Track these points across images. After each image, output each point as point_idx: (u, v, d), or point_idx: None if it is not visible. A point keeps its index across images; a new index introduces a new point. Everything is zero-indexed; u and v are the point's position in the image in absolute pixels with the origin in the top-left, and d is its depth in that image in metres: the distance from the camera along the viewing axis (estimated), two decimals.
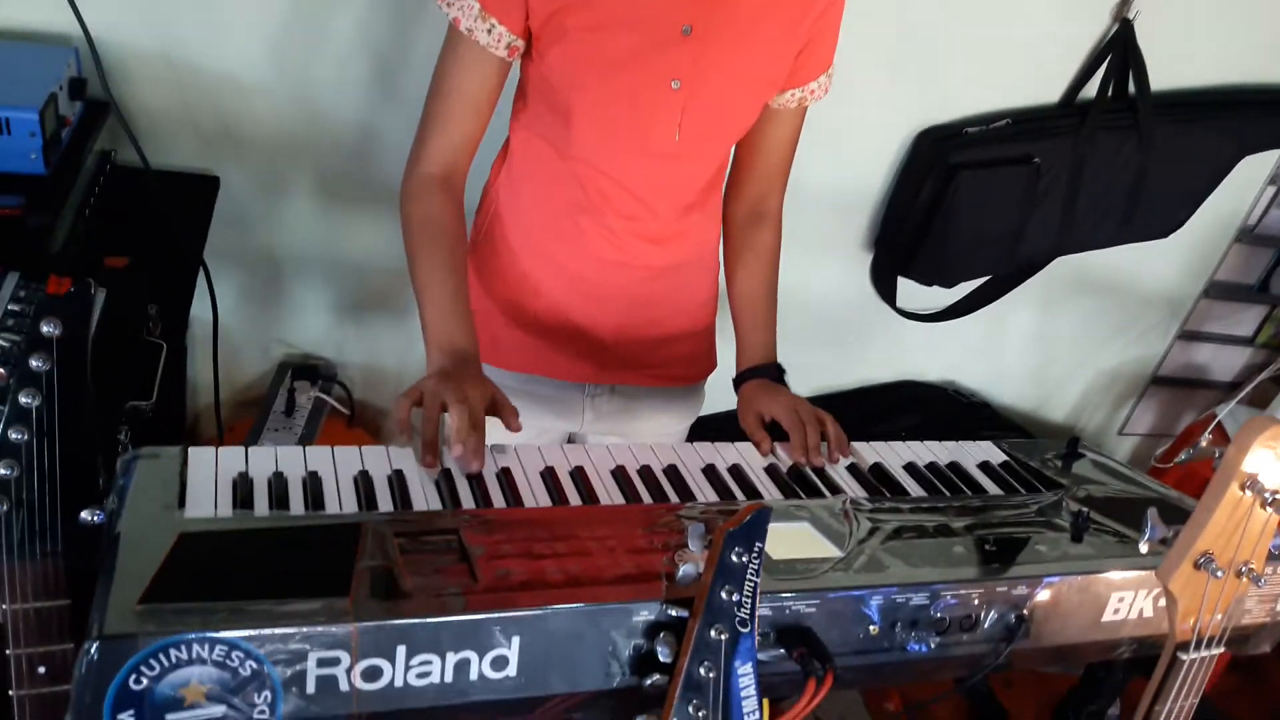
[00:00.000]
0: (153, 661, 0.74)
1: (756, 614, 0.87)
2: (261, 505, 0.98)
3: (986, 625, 1.01)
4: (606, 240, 1.35)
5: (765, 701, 0.93)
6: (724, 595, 0.85)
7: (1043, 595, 1.03)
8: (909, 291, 2.36)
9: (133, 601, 0.77)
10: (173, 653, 0.75)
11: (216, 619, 0.77)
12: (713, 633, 0.85)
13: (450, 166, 1.28)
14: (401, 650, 0.80)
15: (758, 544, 0.86)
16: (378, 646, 0.80)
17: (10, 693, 0.88)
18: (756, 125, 1.37)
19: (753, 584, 0.86)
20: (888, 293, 2.37)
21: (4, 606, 0.87)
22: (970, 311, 2.40)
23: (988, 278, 2.36)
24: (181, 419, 2.10)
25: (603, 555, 0.94)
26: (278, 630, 0.77)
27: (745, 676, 0.87)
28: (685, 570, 0.87)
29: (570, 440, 1.58)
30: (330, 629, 0.78)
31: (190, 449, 1.04)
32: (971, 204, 2.15)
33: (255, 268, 2.04)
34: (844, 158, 2.17)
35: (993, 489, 1.26)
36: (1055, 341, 2.62)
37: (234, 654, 0.76)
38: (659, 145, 1.28)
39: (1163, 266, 2.55)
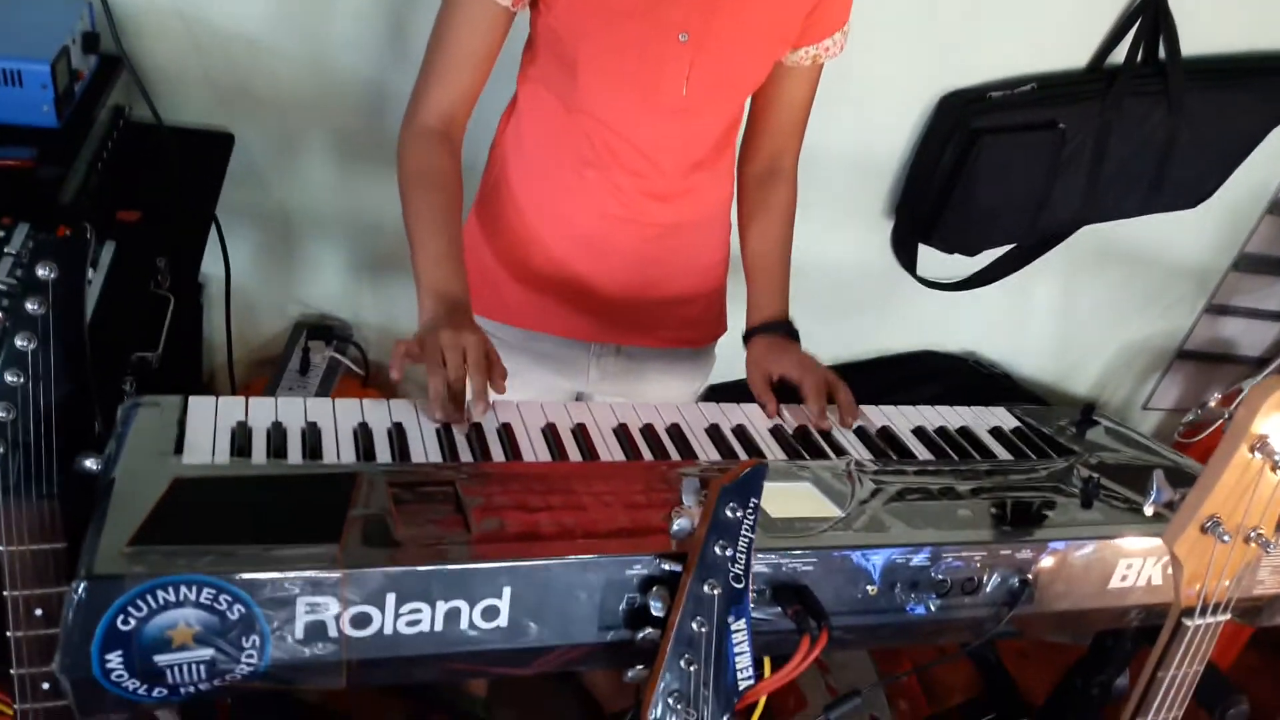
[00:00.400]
0: (140, 603, 0.74)
1: (751, 570, 0.86)
2: (259, 454, 0.97)
3: (989, 588, 1.00)
4: (612, 196, 1.33)
5: (767, 660, 0.92)
6: (718, 550, 0.84)
7: (1048, 560, 1.02)
8: (930, 260, 2.32)
9: (122, 543, 0.77)
10: (160, 594, 0.75)
11: (205, 562, 0.77)
12: (706, 588, 0.84)
13: (448, 119, 1.27)
14: (391, 598, 0.80)
15: (753, 500, 0.85)
16: (367, 593, 0.79)
17: (8, 634, 0.89)
18: (771, 83, 1.35)
19: (747, 540, 0.85)
20: (908, 261, 2.34)
21: (1, 548, 0.87)
22: (992, 281, 2.36)
23: (1010, 246, 2.32)
24: (197, 376, 2.11)
25: (599, 510, 0.93)
26: (266, 575, 0.77)
27: (739, 633, 0.86)
28: (680, 525, 0.86)
29: (579, 399, 1.57)
30: (319, 574, 0.78)
31: (191, 398, 1.04)
32: (995, 170, 2.11)
33: (270, 226, 2.04)
34: (865, 121, 2.13)
35: (1003, 454, 1.24)
36: (1079, 313, 2.58)
37: (222, 597, 0.76)
38: (666, 99, 1.26)
39: (1191, 238, 2.50)
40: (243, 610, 0.77)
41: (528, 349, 1.43)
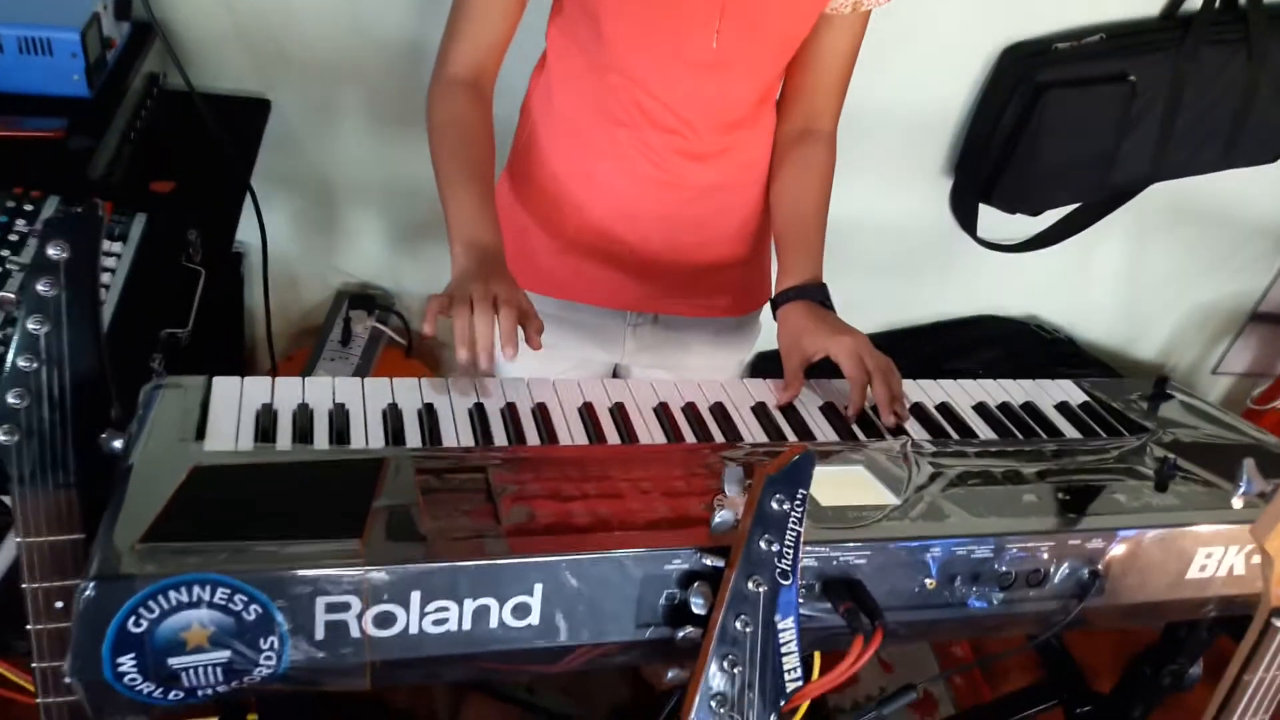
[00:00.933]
0: (151, 604, 0.70)
1: (799, 565, 0.80)
2: (284, 438, 0.93)
3: (1056, 580, 0.93)
4: (644, 156, 1.26)
5: (816, 654, 0.87)
6: (763, 545, 0.79)
7: (1120, 549, 0.95)
8: (990, 220, 2.22)
9: (134, 539, 0.73)
10: (173, 595, 0.71)
11: (220, 559, 0.73)
12: (750, 584, 0.79)
13: (478, 69, 1.22)
14: (416, 596, 0.76)
15: (800, 490, 0.79)
16: (390, 592, 0.75)
17: (28, 627, 0.86)
18: (810, 33, 1.26)
19: (795, 533, 0.80)
20: (968, 221, 2.25)
21: (19, 539, 0.84)
22: (1056, 242, 2.26)
23: (1076, 206, 2.21)
24: (238, 349, 2.09)
25: (636, 498, 0.88)
26: (284, 573, 0.73)
27: (786, 632, 0.81)
28: (722, 517, 0.80)
29: (615, 374, 1.51)
30: (340, 572, 0.74)
31: (215, 379, 1.00)
32: (1060, 126, 2.00)
33: (309, 194, 2.00)
34: (922, 76, 2.03)
35: (1070, 432, 1.17)
36: (1146, 274, 2.46)
37: (237, 597, 0.72)
38: (695, 53, 1.18)
39: (1268, 193, 2.36)
40: (259, 610, 0.73)
41: (561, 319, 1.38)
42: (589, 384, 1.10)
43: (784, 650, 0.81)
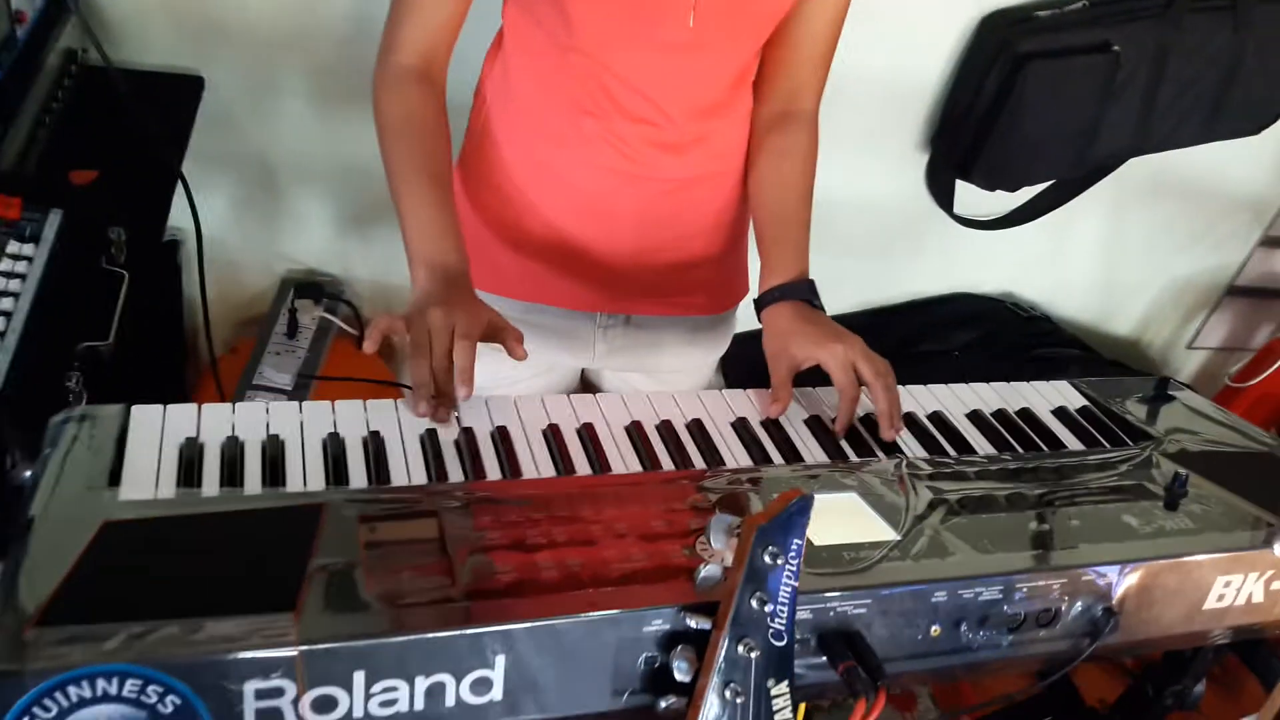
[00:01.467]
0: (49, 702, 0.60)
1: (794, 624, 0.71)
2: (212, 480, 0.83)
3: (1069, 619, 0.86)
4: (613, 148, 1.16)
5: (802, 706, 0.79)
6: (754, 604, 0.70)
7: (1134, 581, 0.87)
8: (967, 196, 2.15)
9: (25, 623, 0.63)
10: (73, 690, 0.61)
11: (128, 646, 0.62)
12: (740, 648, 0.70)
13: (428, 55, 1.10)
14: (359, 676, 0.66)
15: (795, 541, 0.70)
16: (329, 673, 0.65)
17: None
18: (790, 10, 1.16)
19: (790, 589, 0.71)
20: (944, 197, 2.17)
21: None
22: (1033, 218, 2.19)
23: (1055, 181, 2.14)
24: (179, 349, 1.97)
25: (610, 544, 0.78)
26: (204, 658, 0.63)
27: (780, 698, 0.72)
28: (707, 573, 0.71)
29: (583, 378, 1.42)
30: (270, 654, 0.64)
31: (134, 409, 0.89)
32: (1041, 99, 1.92)
33: (248, 176, 1.88)
34: (898, 45, 1.94)
35: (1071, 442, 1.09)
36: (1124, 249, 2.40)
37: (150, 688, 0.62)
38: (670, 33, 1.07)
39: (1249, 167, 2.30)
40: (177, 702, 0.63)
41: (525, 322, 1.27)
42: (554, 402, 1.00)
43: (778, 716, 0.73)
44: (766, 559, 0.70)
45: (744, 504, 0.87)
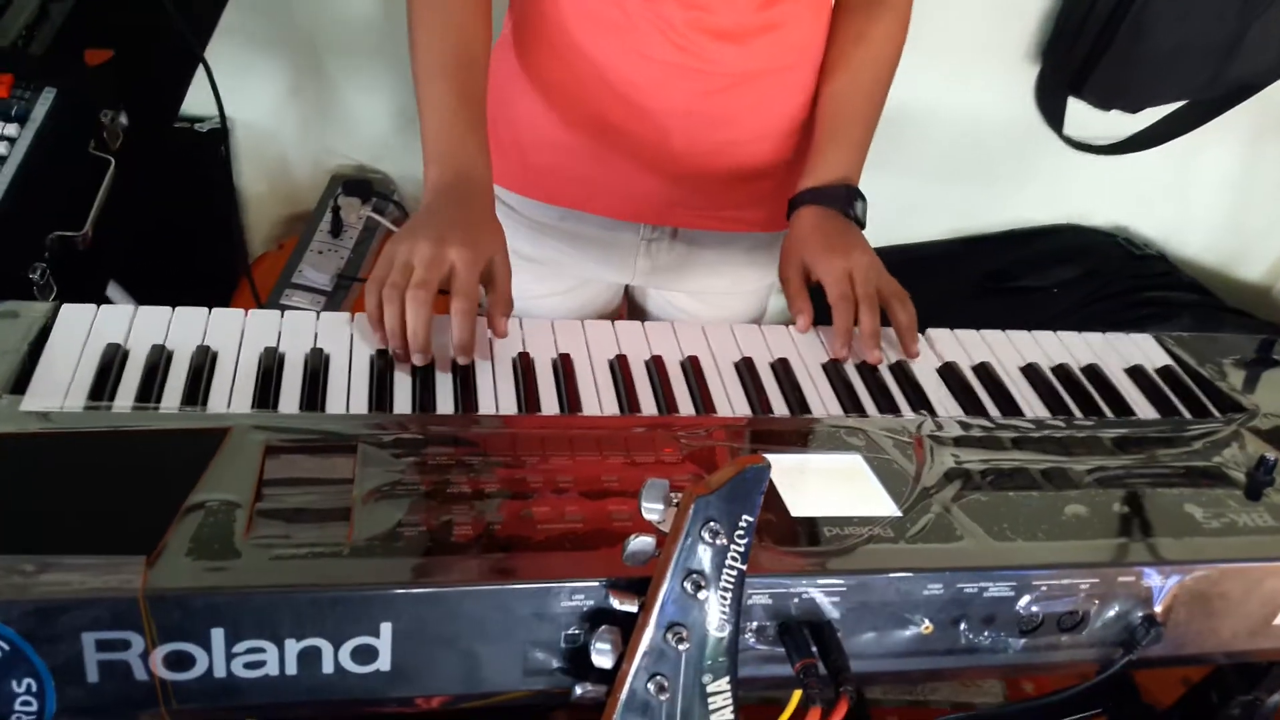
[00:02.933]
0: None
1: (741, 609, 0.60)
2: (128, 394, 0.75)
3: (1098, 625, 0.72)
4: (662, 34, 1.01)
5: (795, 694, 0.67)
6: (688, 588, 0.58)
7: (1186, 586, 0.72)
8: (1081, 116, 1.92)
9: None
10: None
11: None
12: (669, 637, 0.59)
13: None
14: (218, 635, 0.57)
15: (745, 517, 0.58)
16: (182, 627, 0.57)
17: None
18: None
19: (735, 572, 0.59)
20: (1054, 116, 1.95)
21: None
22: (1157, 144, 1.95)
23: (1184, 102, 1.89)
24: (231, 232, 1.91)
25: (545, 500, 0.67)
26: (35, 600, 0.55)
27: (718, 696, 0.61)
28: (636, 546, 0.60)
29: (629, 297, 1.30)
30: (111, 600, 0.56)
31: (64, 307, 0.82)
32: (1173, 6, 1.68)
33: (298, 59, 1.79)
34: None
35: (1143, 408, 0.93)
36: (1260, 183, 2.13)
37: None
38: None
39: None
40: (6, 648, 0.55)
41: (560, 230, 1.16)
42: (534, 327, 0.89)
43: (715, 718, 0.62)
44: (706, 537, 0.58)
45: (719, 463, 0.75)
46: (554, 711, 0.76)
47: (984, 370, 0.94)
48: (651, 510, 0.59)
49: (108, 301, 1.66)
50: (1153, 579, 0.71)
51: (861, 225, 1.03)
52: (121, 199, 1.12)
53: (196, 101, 1.57)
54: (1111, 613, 0.71)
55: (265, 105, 1.82)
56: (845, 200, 1.02)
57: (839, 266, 0.95)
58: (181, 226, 1.83)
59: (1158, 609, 0.72)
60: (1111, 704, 1.11)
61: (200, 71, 1.38)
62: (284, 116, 1.84)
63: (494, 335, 0.87)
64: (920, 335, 0.96)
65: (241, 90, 1.78)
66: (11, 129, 1.08)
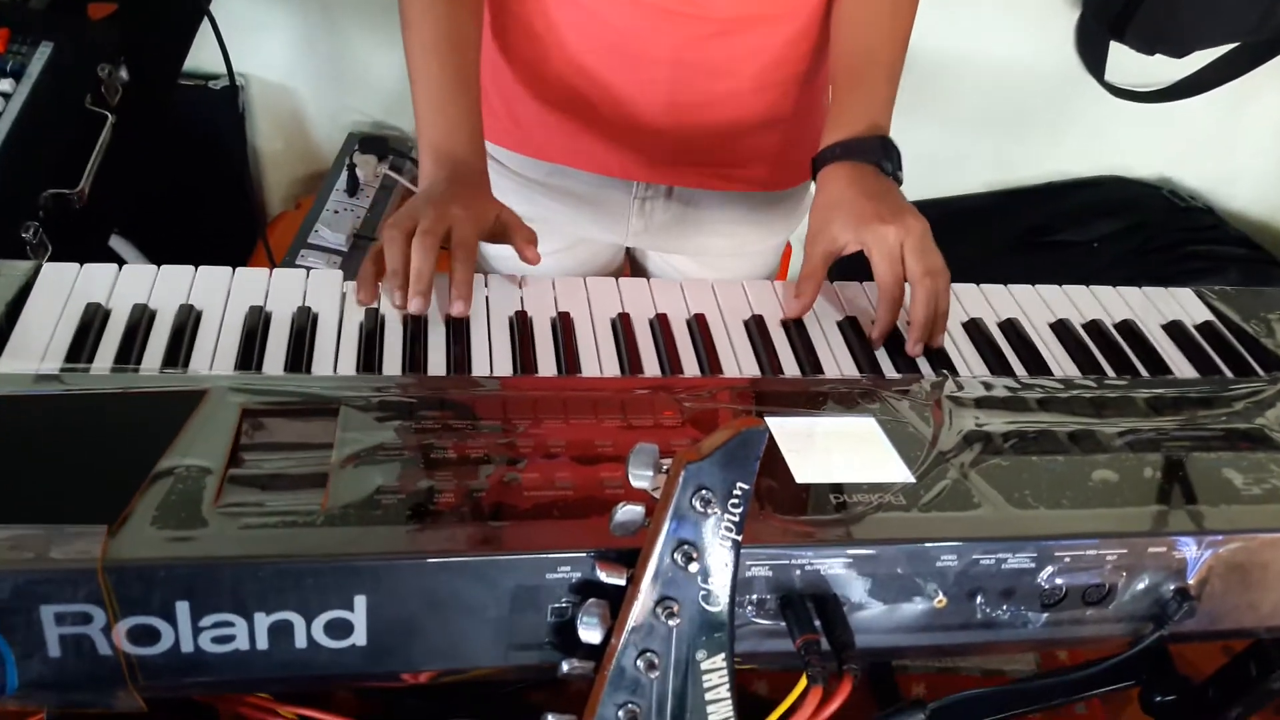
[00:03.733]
0: None
1: (736, 582, 0.56)
2: (108, 355, 0.72)
3: (1126, 598, 0.67)
4: None
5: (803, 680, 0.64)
6: (678, 560, 0.55)
7: (1222, 557, 0.67)
8: (1124, 61, 1.84)
9: None
10: None
11: None
12: (659, 612, 0.55)
13: None
14: (183, 609, 0.55)
15: (739, 485, 0.54)
16: (146, 600, 0.54)
17: None
18: None
19: (729, 544, 0.55)
20: (1095, 62, 1.87)
21: None
22: (1204, 90, 1.86)
23: (1233, 45, 1.80)
24: (247, 193, 1.89)
25: (535, 465, 0.64)
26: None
27: (714, 674, 0.58)
28: (624, 515, 0.56)
29: (631, 259, 1.25)
30: (69, 571, 0.53)
31: (46, 265, 0.79)
32: None
33: (312, 15, 1.75)
34: None
35: (1182, 366, 0.87)
36: None
37: None
38: None
39: None
40: None
41: (549, 186, 1.11)
42: (534, 284, 0.85)
43: (711, 698, 0.58)
44: (697, 506, 0.54)
45: (722, 426, 0.71)
46: (529, 692, 0.73)
47: (1011, 327, 0.89)
48: (640, 477, 0.55)
49: (118, 260, 1.64)
50: (1187, 549, 0.66)
51: (899, 181, 0.93)
52: (121, 156, 1.09)
53: (210, 59, 1.55)
54: (1141, 585, 0.67)
55: (280, 61, 1.79)
56: (880, 153, 0.92)
57: (891, 238, 0.84)
58: (197, 187, 1.81)
59: (1191, 581, 0.67)
60: (1145, 676, 1.06)
61: (204, 27, 1.35)
62: (299, 72, 1.80)
63: (527, 262, 0.84)
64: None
65: (256, 46, 1.75)
66: (6, 84, 1.06)
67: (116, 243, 1.64)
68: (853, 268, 0.90)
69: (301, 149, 1.90)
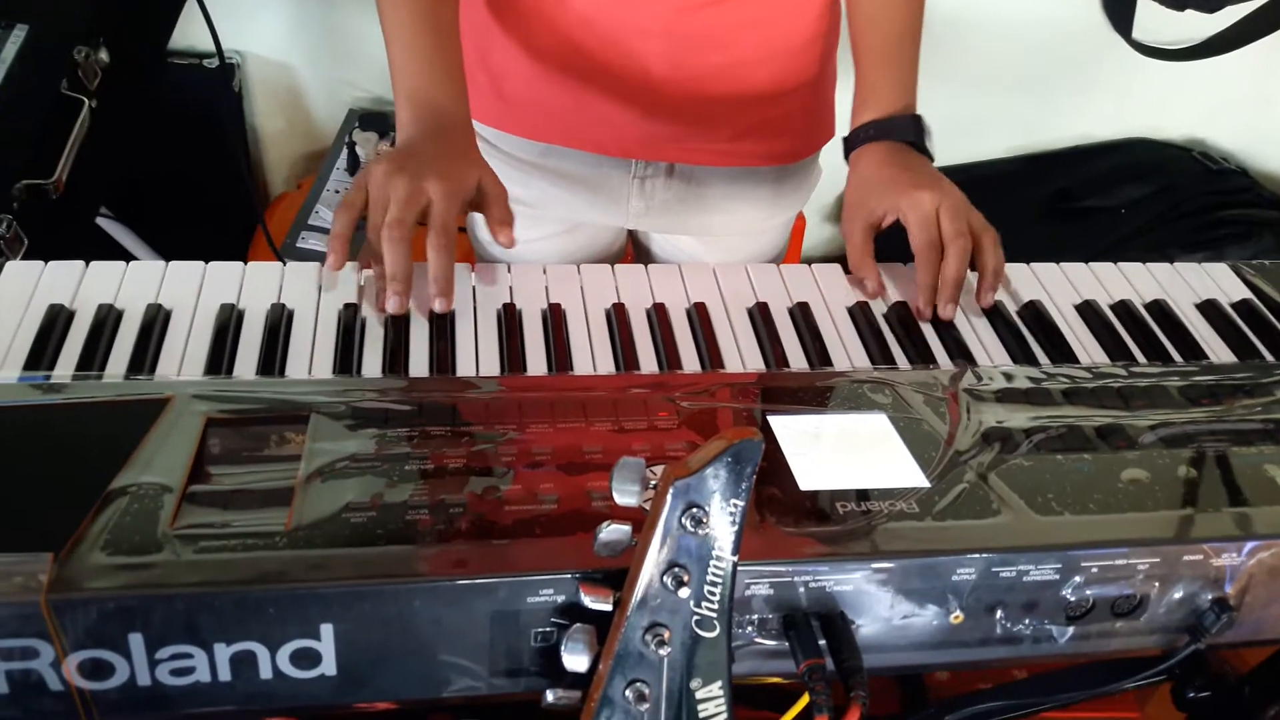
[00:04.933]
0: None
1: (731, 612, 0.52)
2: (68, 360, 0.68)
3: (1159, 610, 0.62)
4: None
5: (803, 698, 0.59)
6: (668, 584, 0.50)
7: (1267, 564, 0.62)
8: (1152, 18, 1.76)
9: None
10: None
11: None
12: (649, 639, 0.51)
13: None
14: (136, 641, 0.51)
15: (733, 502, 0.50)
16: (96, 633, 0.50)
17: None
18: None
19: (724, 564, 0.51)
20: (1122, 20, 1.80)
21: None
22: (1236, 47, 1.79)
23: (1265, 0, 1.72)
24: (243, 174, 1.85)
25: (516, 477, 0.59)
26: None
27: (709, 704, 0.53)
28: (608, 534, 0.51)
29: (634, 240, 1.20)
30: (11, 605, 0.49)
31: (8, 265, 0.75)
32: None
33: None
34: None
35: (1218, 350, 0.82)
36: None
37: None
38: None
39: None
40: None
41: (542, 168, 1.06)
42: (524, 274, 0.80)
43: None
44: (688, 525, 0.50)
45: (721, 427, 0.66)
46: None
47: (1033, 310, 0.84)
48: (626, 493, 0.51)
49: (114, 247, 1.61)
50: (1226, 556, 0.61)
51: (931, 158, 0.93)
52: (102, 141, 1.05)
53: (205, 36, 1.50)
54: (1176, 596, 0.62)
55: (277, 38, 1.74)
56: (914, 131, 0.92)
57: (926, 203, 0.84)
58: (195, 169, 1.77)
59: (1230, 590, 0.62)
60: (1178, 671, 1.02)
61: (194, 5, 1.30)
62: (296, 49, 1.75)
63: (504, 245, 0.79)
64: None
65: (252, 23, 1.70)
66: None
67: (115, 229, 1.61)
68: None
69: (303, 128, 1.85)
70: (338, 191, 1.70)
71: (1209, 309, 0.86)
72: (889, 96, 0.94)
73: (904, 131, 0.93)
